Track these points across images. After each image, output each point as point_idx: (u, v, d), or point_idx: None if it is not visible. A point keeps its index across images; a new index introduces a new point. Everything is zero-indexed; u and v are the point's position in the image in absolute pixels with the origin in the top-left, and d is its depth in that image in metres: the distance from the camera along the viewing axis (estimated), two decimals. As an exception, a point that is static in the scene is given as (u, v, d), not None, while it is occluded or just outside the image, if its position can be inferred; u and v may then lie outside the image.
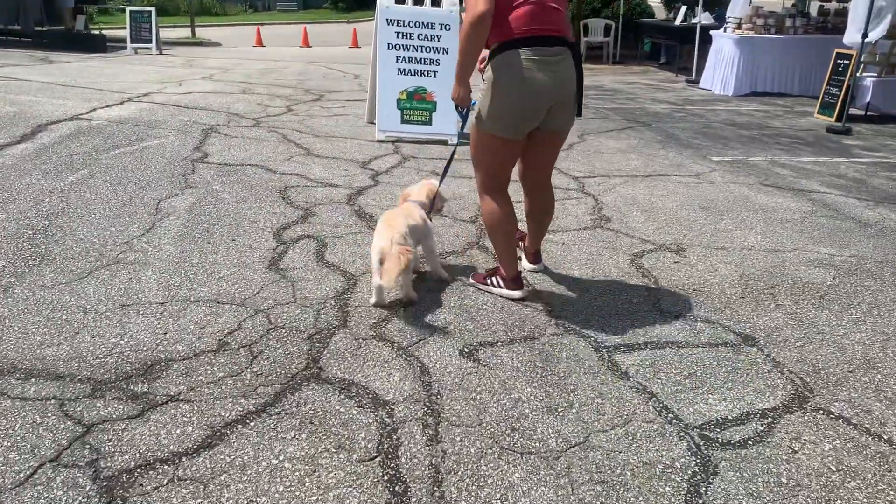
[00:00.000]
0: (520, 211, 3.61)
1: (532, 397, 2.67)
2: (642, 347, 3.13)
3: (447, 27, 7.15)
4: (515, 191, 3.56)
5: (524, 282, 3.61)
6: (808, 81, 12.27)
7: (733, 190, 5.86)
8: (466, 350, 3.00)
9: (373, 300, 3.37)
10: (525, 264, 3.93)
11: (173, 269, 3.61)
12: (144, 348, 2.82)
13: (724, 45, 12.07)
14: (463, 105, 3.38)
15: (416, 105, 7.15)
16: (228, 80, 10.93)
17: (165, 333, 2.95)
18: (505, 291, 3.56)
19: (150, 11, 15.64)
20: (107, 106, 7.62)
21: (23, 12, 15.15)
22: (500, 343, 3.09)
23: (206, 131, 6.82)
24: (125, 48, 15.87)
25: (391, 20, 7.08)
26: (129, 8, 16.32)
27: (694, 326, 3.36)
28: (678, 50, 14.97)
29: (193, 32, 21.56)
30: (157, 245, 3.91)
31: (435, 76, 7.15)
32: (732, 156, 7.24)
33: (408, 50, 7.10)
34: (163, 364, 2.72)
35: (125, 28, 15.85)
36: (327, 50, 19.86)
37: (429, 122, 7.19)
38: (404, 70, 7.12)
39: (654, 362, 2.99)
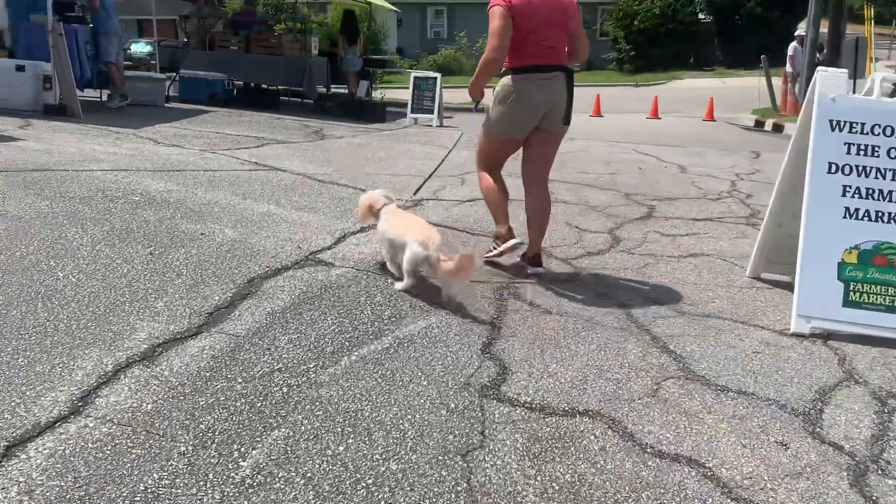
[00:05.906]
0: None
1: None
2: None
3: (943, 135, 3.88)
4: None
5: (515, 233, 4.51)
6: None
7: None
8: None
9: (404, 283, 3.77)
10: (529, 270, 4.46)
11: None
12: None
13: None
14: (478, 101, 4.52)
15: (877, 275, 3.92)
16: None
17: None
18: (505, 245, 4.42)
19: (435, 78, 13.98)
20: (362, 231, 5.18)
21: (308, 76, 14.29)
22: None
23: (502, 301, 4.09)
24: (405, 116, 14.43)
25: (839, 122, 3.99)
26: (412, 74, 14.92)
27: None
28: None
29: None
30: None
31: (914, 224, 3.89)
32: None
33: (867, 175, 3.94)
34: None
35: (408, 88, 14.47)
36: (623, 121, 17.13)
37: (894, 308, 3.91)
38: (856, 212, 3.96)
39: None
